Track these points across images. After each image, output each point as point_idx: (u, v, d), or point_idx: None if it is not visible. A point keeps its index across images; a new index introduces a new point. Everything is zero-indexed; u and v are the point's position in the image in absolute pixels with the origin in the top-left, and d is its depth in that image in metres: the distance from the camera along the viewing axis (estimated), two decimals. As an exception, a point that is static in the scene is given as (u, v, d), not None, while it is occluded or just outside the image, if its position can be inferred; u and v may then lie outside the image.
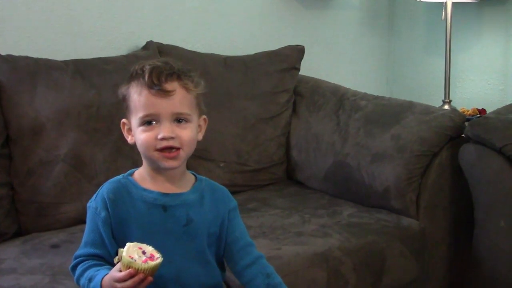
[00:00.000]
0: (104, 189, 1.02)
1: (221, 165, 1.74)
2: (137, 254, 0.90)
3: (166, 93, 0.96)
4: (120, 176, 1.05)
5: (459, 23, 2.24)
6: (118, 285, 0.90)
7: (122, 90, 1.02)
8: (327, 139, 1.76)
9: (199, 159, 1.70)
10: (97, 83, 1.58)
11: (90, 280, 0.96)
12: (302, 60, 1.99)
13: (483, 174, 1.50)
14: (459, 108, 2.16)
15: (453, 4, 2.11)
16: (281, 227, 1.47)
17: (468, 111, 2.12)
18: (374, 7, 2.51)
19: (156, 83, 0.96)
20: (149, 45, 1.83)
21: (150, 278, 0.90)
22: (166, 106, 0.96)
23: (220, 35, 2.08)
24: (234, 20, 2.11)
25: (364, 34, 2.49)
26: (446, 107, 2.15)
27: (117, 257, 0.93)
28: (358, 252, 1.39)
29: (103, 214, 0.99)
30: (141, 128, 0.97)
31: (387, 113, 1.70)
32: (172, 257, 0.98)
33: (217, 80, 1.83)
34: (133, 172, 1.06)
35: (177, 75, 0.98)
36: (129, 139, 1.03)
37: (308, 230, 1.44)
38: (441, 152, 1.57)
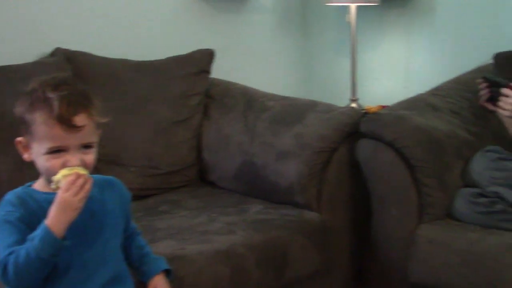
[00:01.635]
0: (9, 196, 1.04)
1: (132, 169, 1.76)
2: (68, 170, 0.98)
3: (76, 128, 0.99)
4: (19, 188, 1.08)
5: (363, 25, 2.36)
6: (66, 194, 0.95)
7: (23, 112, 1.03)
8: (236, 140, 1.82)
9: (110, 164, 1.72)
10: (2, 91, 1.57)
11: (32, 238, 0.96)
12: (217, 63, 2.04)
13: (377, 166, 1.60)
14: (365, 105, 2.28)
15: (357, 7, 2.23)
16: (188, 228, 1.50)
17: (373, 108, 2.24)
18: (287, 10, 2.60)
19: (66, 117, 0.98)
20: (56, 51, 1.82)
21: (91, 179, 0.99)
22: (75, 139, 1.00)
23: (131, 41, 2.09)
24: (145, 25, 2.14)
25: (278, 36, 2.57)
26: (354, 105, 2.27)
27: (54, 185, 0.98)
28: (261, 247, 1.45)
29: (17, 214, 1.00)
30: (47, 156, 1.00)
31: (292, 112, 1.78)
32: (80, 249, 1.04)
33: (128, 85, 1.85)
34: (31, 184, 1.09)
35: (84, 106, 1.01)
36: (26, 157, 1.06)
37: (213, 229, 1.49)
38: (340, 148, 1.66)
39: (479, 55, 1.95)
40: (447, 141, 1.57)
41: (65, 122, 0.98)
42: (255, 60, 2.49)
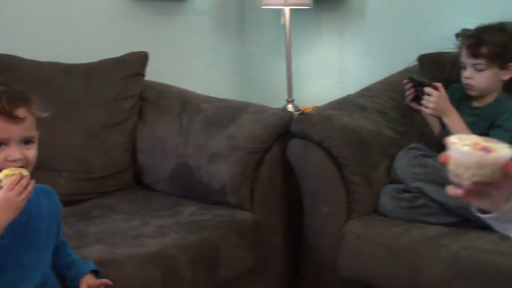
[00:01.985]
0: None
1: (64, 174, 1.73)
2: (11, 170, 1.00)
3: (18, 120, 1.02)
4: None
5: (298, 28, 2.41)
6: (10, 193, 0.97)
7: None
8: (170, 142, 1.82)
9: (40, 169, 1.67)
10: None
11: None
12: (153, 66, 2.03)
13: (307, 165, 1.64)
14: (302, 106, 2.33)
15: (291, 10, 2.27)
16: (120, 232, 1.49)
17: (308, 108, 2.29)
18: (224, 13, 2.62)
19: (7, 109, 1.01)
20: (-16, 55, 1.77)
21: (33, 181, 1.01)
22: (16, 131, 1.02)
23: (62, 43, 2.05)
24: (76, 26, 2.10)
25: (216, 39, 2.59)
26: (290, 106, 2.32)
27: None
28: (194, 248, 1.46)
29: None
30: None
31: (225, 114, 1.80)
32: (16, 250, 1.06)
33: (58, 89, 1.82)
34: None
35: (24, 101, 1.04)
36: None
37: (146, 232, 1.48)
38: (272, 148, 1.69)
39: (407, 57, 2.03)
40: (373, 140, 1.63)
41: (7, 114, 1.01)
42: (192, 63, 2.50)
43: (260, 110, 1.78)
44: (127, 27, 2.25)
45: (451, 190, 0.69)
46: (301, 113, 2.19)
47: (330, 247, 1.60)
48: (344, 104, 1.76)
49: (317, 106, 2.34)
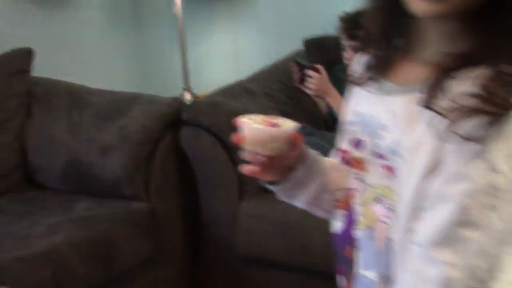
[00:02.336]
0: None
1: None
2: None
3: None
4: None
5: (192, 17, 2.43)
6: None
7: None
8: (60, 139, 1.78)
9: None
10: None
11: None
12: (44, 62, 1.97)
13: (199, 151, 1.67)
14: (199, 93, 2.35)
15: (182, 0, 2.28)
16: (7, 235, 1.45)
17: (205, 94, 2.32)
18: (116, 5, 2.57)
19: None
20: None
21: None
22: None
23: None
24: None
25: (109, 31, 2.54)
26: (187, 94, 2.33)
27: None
28: (85, 243, 1.45)
29: None
30: None
31: (116, 106, 1.78)
32: None
33: None
34: None
35: None
36: None
37: (35, 233, 1.45)
38: (164, 137, 1.70)
39: (297, 41, 2.11)
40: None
41: None
42: (85, 56, 2.43)
43: (151, 100, 1.78)
44: (10, 23, 2.15)
45: (246, 168, 0.73)
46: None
47: (226, 228, 1.65)
48: (233, 89, 1.80)
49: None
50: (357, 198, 0.72)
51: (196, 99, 2.26)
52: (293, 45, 2.13)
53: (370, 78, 0.71)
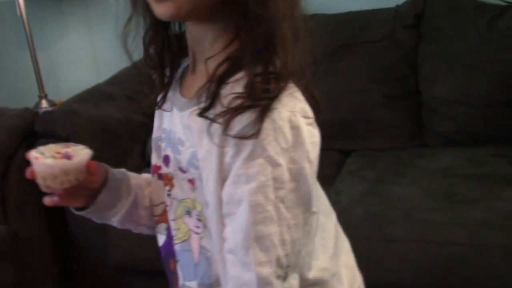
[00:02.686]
0: None
1: None
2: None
3: None
4: None
5: (40, 19, 2.27)
6: None
7: None
8: None
9: None
10: None
11: None
12: None
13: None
14: (57, 99, 2.22)
15: (25, 1, 2.11)
16: None
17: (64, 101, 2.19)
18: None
19: None
20: None
21: None
22: None
23: None
24: None
25: None
26: (44, 101, 2.19)
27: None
28: None
29: None
30: None
31: (-41, 123, 1.62)
32: None
33: None
34: None
35: None
36: None
37: None
38: (18, 152, 1.58)
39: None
40: (122, 127, 1.63)
41: None
42: None
43: (0, 113, 1.64)
44: None
45: (47, 200, 0.75)
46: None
47: (98, 242, 1.58)
48: (90, 95, 1.72)
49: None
50: (170, 213, 0.75)
51: (53, 107, 2.13)
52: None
53: (164, 96, 0.74)
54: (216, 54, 0.64)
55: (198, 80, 0.67)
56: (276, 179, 0.59)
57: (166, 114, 0.74)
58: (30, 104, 2.17)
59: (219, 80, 0.62)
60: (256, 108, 0.59)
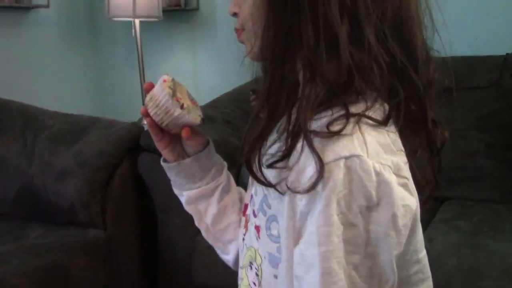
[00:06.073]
0: None
1: None
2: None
3: None
4: None
5: (150, 40, 2.42)
6: None
7: None
8: (14, 162, 1.73)
9: None
10: None
11: None
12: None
13: (158, 179, 1.65)
14: (157, 117, 2.34)
15: (140, 22, 2.27)
16: (-46, 263, 1.39)
17: (164, 119, 2.31)
18: (73, 24, 2.54)
19: None
20: None
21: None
22: None
23: None
24: None
25: (65, 51, 2.50)
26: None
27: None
28: (38, 273, 1.41)
29: None
30: None
31: (73, 130, 1.75)
32: None
33: None
34: None
35: None
36: None
37: (-16, 261, 1.40)
38: (122, 163, 1.68)
39: (256, 67, 2.14)
40: (219, 150, 1.68)
41: None
42: (41, 76, 2.39)
43: (109, 125, 1.76)
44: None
45: (142, 109, 0.72)
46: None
47: (184, 257, 1.63)
48: (192, 115, 1.80)
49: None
50: (240, 259, 0.70)
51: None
52: (254, 70, 2.15)
53: None
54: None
55: None
56: (349, 242, 0.51)
57: None
58: (134, 118, 2.30)
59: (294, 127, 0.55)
60: (328, 152, 0.51)
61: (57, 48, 2.46)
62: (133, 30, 2.29)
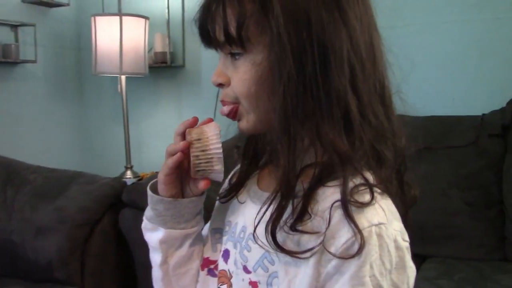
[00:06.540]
0: None
1: None
2: None
3: None
4: None
5: (136, 95, 2.46)
6: None
7: None
8: (-8, 217, 1.70)
9: None
10: None
11: None
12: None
13: (139, 235, 1.63)
14: (140, 172, 2.34)
15: (126, 78, 2.31)
16: None
17: (147, 174, 2.31)
18: (60, 80, 2.57)
19: None
20: None
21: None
22: None
23: None
24: None
25: (52, 106, 2.52)
26: (129, 172, 2.31)
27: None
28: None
29: None
30: None
31: (55, 185, 1.74)
32: None
33: None
34: None
35: None
36: None
37: (-44, 320, 1.35)
38: (103, 219, 1.67)
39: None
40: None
41: None
42: (26, 131, 2.39)
43: (92, 180, 1.75)
44: None
45: (185, 144, 0.71)
46: (138, 180, 2.20)
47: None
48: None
49: (155, 172, 2.37)
50: None
51: (138, 179, 2.24)
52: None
53: (237, 188, 0.71)
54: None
55: (277, 173, 0.62)
56: None
57: (232, 206, 0.71)
58: (116, 173, 2.30)
59: (312, 186, 0.58)
60: (363, 220, 0.55)
61: (43, 102, 2.48)
62: (119, 86, 2.33)
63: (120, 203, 1.71)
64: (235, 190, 0.71)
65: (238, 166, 0.72)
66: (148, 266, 1.67)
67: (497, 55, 1.95)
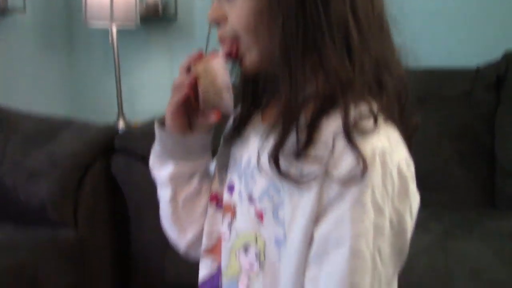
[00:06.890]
0: None
1: None
2: None
3: None
4: None
5: (127, 46, 2.42)
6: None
7: None
8: (-16, 162, 1.69)
9: None
10: None
11: None
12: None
13: (131, 180, 1.65)
14: (134, 121, 2.33)
15: (118, 31, 2.26)
16: None
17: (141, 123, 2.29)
18: (50, 30, 2.52)
19: None
20: None
21: None
22: None
23: None
24: None
25: (41, 55, 2.48)
26: (121, 121, 2.30)
27: None
28: (5, 274, 1.37)
29: None
30: None
31: (46, 131, 1.73)
32: None
33: None
34: None
35: None
36: None
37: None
38: (96, 164, 1.66)
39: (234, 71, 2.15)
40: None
41: None
42: (15, 77, 2.36)
43: (83, 126, 1.75)
44: None
45: (192, 79, 0.69)
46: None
47: (157, 257, 1.62)
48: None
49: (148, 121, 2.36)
50: (225, 245, 0.70)
51: (130, 127, 2.23)
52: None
53: (241, 124, 0.70)
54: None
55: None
56: (377, 227, 0.56)
57: (237, 143, 0.70)
58: (108, 122, 2.28)
59: (315, 116, 0.59)
60: (367, 146, 0.56)
61: (33, 52, 2.44)
62: (110, 38, 2.29)
63: (112, 149, 1.71)
64: (238, 128, 0.71)
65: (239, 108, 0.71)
66: (139, 211, 1.69)
67: (494, 6, 1.93)
